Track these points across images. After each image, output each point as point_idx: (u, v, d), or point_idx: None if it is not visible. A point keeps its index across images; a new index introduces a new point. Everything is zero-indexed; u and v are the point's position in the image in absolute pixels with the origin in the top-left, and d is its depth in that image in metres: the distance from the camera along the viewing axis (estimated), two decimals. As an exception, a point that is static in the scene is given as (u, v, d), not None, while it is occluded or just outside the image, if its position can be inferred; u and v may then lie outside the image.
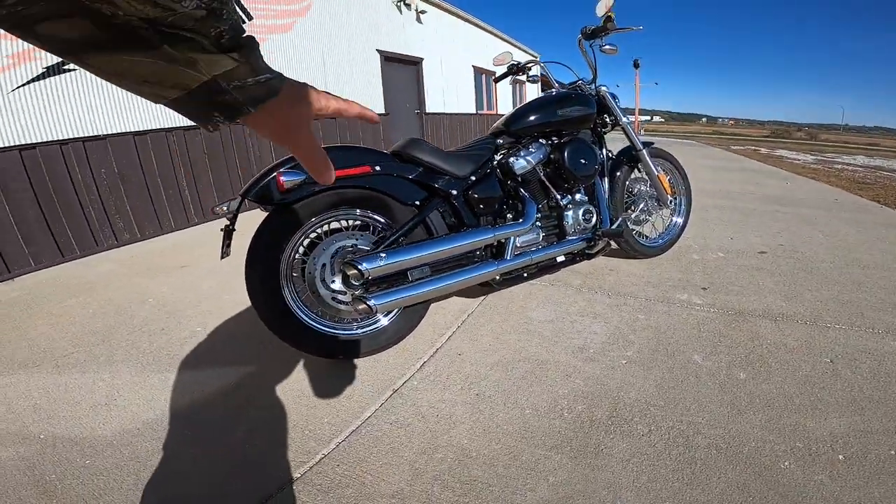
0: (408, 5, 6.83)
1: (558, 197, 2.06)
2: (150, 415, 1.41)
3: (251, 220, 1.53)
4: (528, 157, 1.97)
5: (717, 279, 2.35)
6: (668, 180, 2.72)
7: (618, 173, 2.45)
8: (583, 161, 2.05)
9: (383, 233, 1.68)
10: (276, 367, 1.66)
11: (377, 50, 6.43)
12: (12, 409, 1.47)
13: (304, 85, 0.39)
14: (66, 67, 3.65)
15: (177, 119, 4.36)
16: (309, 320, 1.58)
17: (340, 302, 1.61)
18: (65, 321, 2.13)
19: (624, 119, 2.37)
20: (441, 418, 1.35)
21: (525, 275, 1.95)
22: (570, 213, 2.08)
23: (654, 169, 2.48)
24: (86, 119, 3.79)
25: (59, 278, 2.86)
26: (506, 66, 2.49)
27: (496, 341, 1.78)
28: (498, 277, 1.83)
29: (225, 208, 1.45)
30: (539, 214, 2.01)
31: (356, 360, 1.67)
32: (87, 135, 3.78)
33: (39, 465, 1.21)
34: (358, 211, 1.64)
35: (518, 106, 2.11)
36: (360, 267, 1.41)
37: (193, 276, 2.71)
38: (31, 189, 3.43)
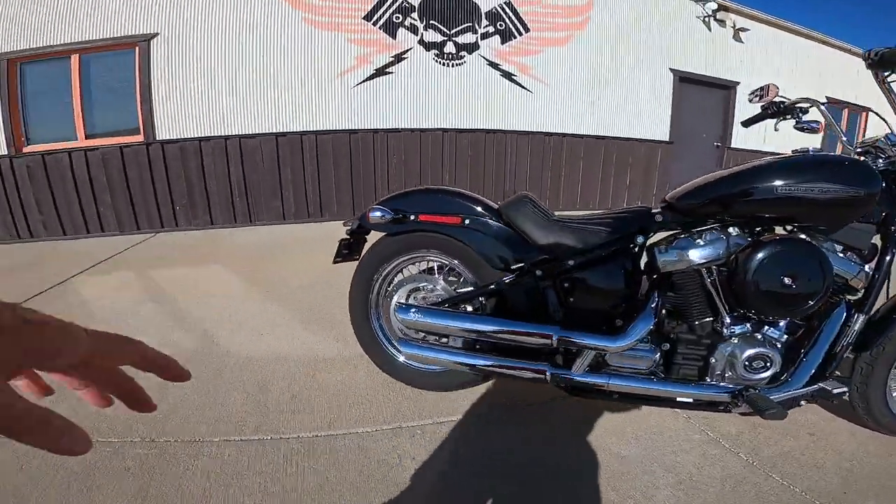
0: (721, 21, 5.66)
1: (728, 320, 1.38)
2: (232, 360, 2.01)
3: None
4: (687, 251, 1.37)
5: None
6: None
7: None
8: (786, 280, 1.26)
9: (465, 287, 1.66)
10: (323, 357, 1.97)
11: (671, 69, 5.70)
12: (218, 318, 2.35)
13: (11, 308, 0.24)
14: (387, 70, 4.98)
15: (453, 121, 5.31)
16: (382, 338, 1.79)
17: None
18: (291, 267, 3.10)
19: None
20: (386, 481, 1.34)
21: (616, 396, 1.46)
22: (726, 348, 1.38)
23: None
24: (389, 114, 5.08)
25: (328, 233, 4.07)
26: (762, 104, 1.76)
27: (525, 444, 1.51)
28: (562, 385, 1.48)
29: (349, 225, 1.77)
30: (679, 333, 1.43)
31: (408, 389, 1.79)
32: (389, 127, 5.07)
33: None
34: (448, 258, 1.66)
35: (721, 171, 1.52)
36: (396, 312, 1.50)
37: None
38: (349, 162, 4.93)
